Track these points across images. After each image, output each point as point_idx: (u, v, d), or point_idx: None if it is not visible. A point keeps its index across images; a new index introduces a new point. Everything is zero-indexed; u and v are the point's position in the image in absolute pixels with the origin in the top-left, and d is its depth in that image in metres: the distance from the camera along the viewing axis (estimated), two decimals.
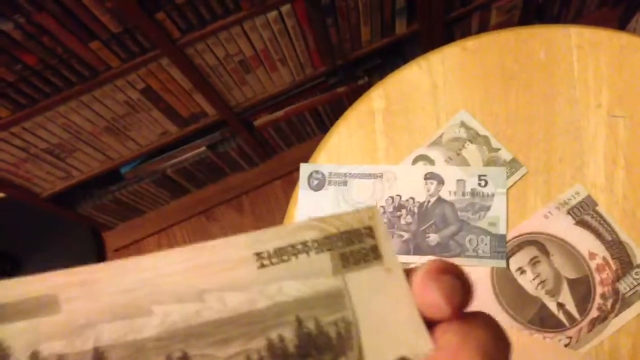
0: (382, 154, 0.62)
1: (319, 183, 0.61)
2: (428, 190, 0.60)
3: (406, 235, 0.59)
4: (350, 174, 0.61)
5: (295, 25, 1.10)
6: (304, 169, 0.63)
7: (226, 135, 1.37)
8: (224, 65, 1.12)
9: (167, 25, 0.98)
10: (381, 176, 0.60)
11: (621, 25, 1.34)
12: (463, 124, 0.61)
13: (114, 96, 1.08)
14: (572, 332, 0.52)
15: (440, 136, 0.62)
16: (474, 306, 0.58)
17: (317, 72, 1.28)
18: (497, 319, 0.53)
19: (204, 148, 1.35)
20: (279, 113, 1.35)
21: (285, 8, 1.05)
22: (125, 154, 1.27)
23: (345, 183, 0.61)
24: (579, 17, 1.44)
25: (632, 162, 0.59)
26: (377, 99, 0.65)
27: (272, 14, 1.05)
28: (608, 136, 0.60)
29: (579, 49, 0.63)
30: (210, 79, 1.14)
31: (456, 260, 0.56)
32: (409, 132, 0.63)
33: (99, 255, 1.56)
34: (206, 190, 1.56)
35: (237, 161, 1.50)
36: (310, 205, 0.61)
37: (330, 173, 0.62)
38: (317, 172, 0.62)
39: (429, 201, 0.60)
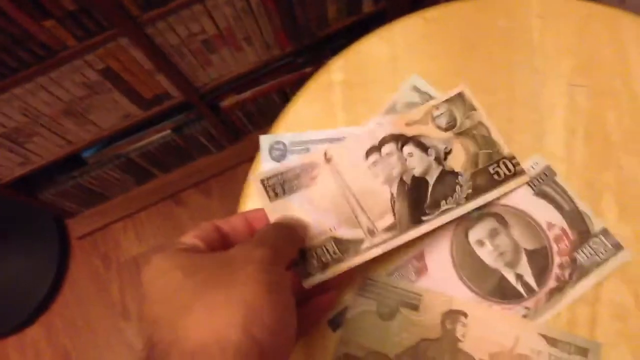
0: (341, 126, 0.61)
1: (281, 154, 0.60)
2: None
3: None
4: (312, 140, 0.60)
5: (259, 3, 1.07)
6: (264, 140, 0.61)
7: (191, 117, 1.35)
8: (186, 45, 1.09)
9: (126, 2, 0.95)
10: (344, 140, 0.59)
11: None
12: (416, 89, 0.60)
13: (72, 77, 1.04)
14: (530, 302, 0.52)
15: (394, 103, 0.60)
16: (434, 280, 0.58)
17: (283, 52, 1.25)
18: (457, 291, 0.53)
19: (168, 131, 1.33)
20: (246, 94, 1.33)
21: None
22: (87, 138, 1.24)
23: (307, 150, 0.59)
24: None
25: (591, 132, 0.59)
26: (336, 71, 0.63)
27: None
28: (568, 105, 0.60)
29: (539, 18, 0.62)
30: (172, 60, 1.12)
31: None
32: (368, 103, 0.61)
33: (62, 243, 1.53)
34: (173, 174, 1.54)
35: (204, 144, 1.47)
36: None
37: (292, 142, 0.60)
38: (278, 142, 0.60)
39: None
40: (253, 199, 0.59)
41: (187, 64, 1.15)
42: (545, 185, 0.56)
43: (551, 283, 0.52)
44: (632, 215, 0.55)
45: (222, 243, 0.43)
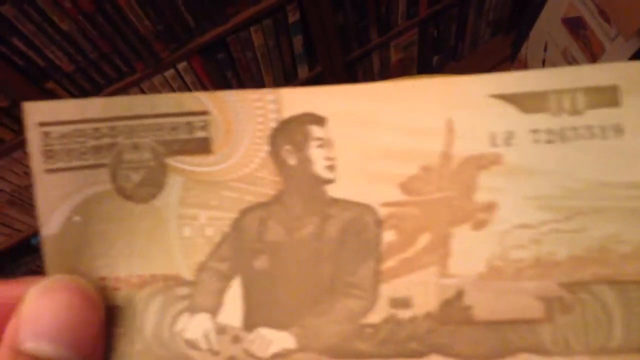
0: None
1: None
2: None
3: None
4: None
5: (195, 81, 1.10)
6: None
7: None
8: None
9: (60, 93, 0.96)
10: None
11: (513, 51, 1.41)
12: None
13: (12, 169, 1.05)
14: None
15: None
16: None
17: None
18: None
19: None
20: None
21: (181, 65, 1.05)
22: (35, 225, 1.22)
23: None
24: (475, 47, 1.51)
25: None
26: None
27: (169, 73, 1.05)
28: None
29: None
30: None
31: None
32: None
33: None
34: None
35: None
36: None
37: None
38: None
39: None
40: None
41: None
42: None
43: None
44: None
45: None
